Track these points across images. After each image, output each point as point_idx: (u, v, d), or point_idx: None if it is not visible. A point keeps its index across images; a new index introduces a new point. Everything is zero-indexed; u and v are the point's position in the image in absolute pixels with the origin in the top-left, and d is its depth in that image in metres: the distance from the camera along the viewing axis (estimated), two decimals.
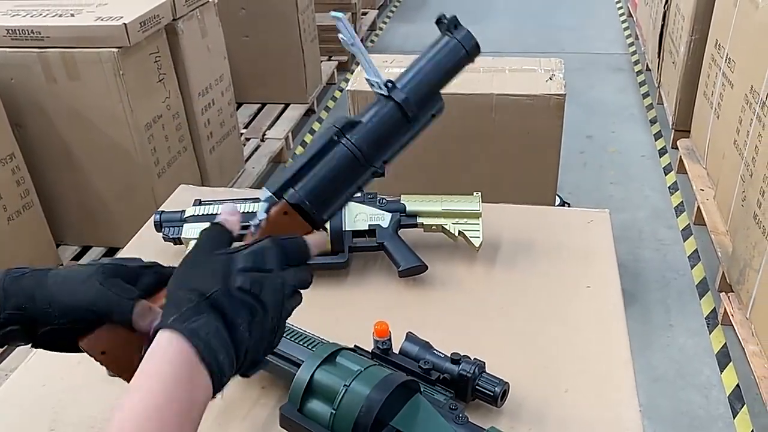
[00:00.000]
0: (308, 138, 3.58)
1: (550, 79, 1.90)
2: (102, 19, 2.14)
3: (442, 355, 0.81)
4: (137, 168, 2.30)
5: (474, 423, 0.73)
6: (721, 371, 2.06)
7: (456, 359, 0.80)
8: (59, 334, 0.63)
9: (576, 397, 0.85)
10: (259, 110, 3.54)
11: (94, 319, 0.62)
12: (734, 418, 1.91)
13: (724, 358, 2.10)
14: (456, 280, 1.06)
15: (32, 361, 0.95)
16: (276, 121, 3.45)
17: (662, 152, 3.23)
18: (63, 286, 0.63)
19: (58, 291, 0.63)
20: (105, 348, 0.63)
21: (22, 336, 0.63)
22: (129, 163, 2.29)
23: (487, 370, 0.81)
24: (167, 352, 0.53)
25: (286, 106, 3.57)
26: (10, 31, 2.15)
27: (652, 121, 3.50)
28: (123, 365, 0.63)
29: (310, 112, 3.71)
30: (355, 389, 0.72)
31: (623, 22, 4.94)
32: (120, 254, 1.18)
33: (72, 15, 2.21)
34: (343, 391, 0.72)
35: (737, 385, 2.00)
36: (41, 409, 0.86)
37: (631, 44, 4.49)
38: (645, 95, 3.78)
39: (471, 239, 1.08)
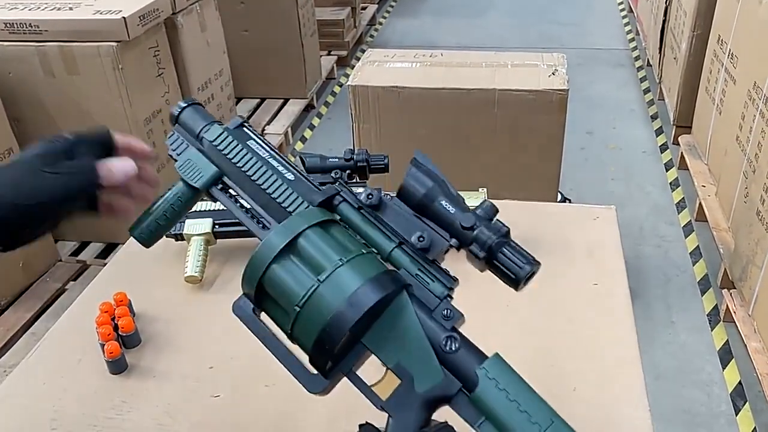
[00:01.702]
0: (308, 133, 3.56)
1: (553, 74, 1.89)
2: (101, 13, 2.12)
3: (453, 210, 0.56)
4: None
5: (468, 341, 0.54)
6: (723, 368, 2.05)
7: (469, 226, 0.55)
8: (30, 232, 0.60)
9: (584, 396, 0.84)
10: (259, 105, 3.52)
11: (63, 210, 0.60)
12: (736, 415, 1.91)
13: (726, 355, 2.09)
14: (461, 277, 1.04)
15: (32, 359, 0.93)
16: (275, 116, 3.44)
17: (663, 148, 3.22)
18: (17, 189, 0.58)
19: (15, 200, 0.58)
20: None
21: None
22: None
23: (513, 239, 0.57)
24: None
25: (286, 101, 3.55)
26: (8, 25, 2.13)
27: (653, 117, 3.49)
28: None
29: (309, 107, 3.69)
30: (324, 295, 0.51)
31: (624, 17, 4.92)
32: (120, 250, 1.17)
33: (70, 8, 2.19)
34: (311, 291, 0.51)
35: (739, 383, 2.00)
36: (42, 407, 0.85)
37: (632, 40, 4.48)
38: (646, 91, 3.77)
39: None
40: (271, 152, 0.63)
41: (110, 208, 0.64)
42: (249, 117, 3.41)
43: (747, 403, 1.93)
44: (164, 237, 1.11)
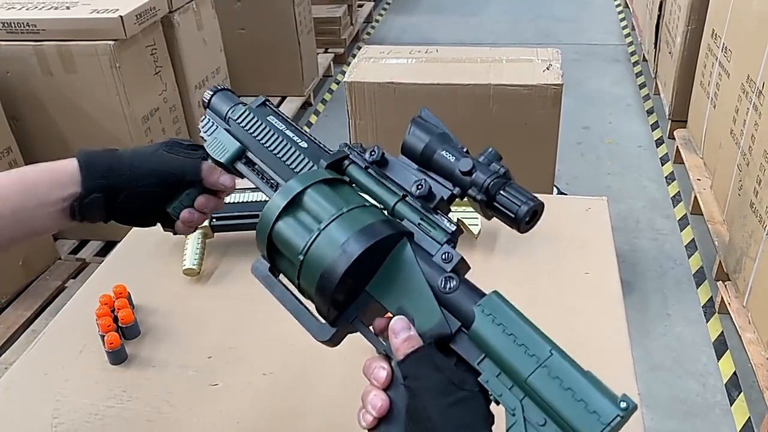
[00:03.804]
0: (305, 131, 3.58)
1: (547, 69, 1.91)
2: (98, 12, 2.14)
3: (453, 158, 0.57)
4: None
5: (469, 283, 0.54)
6: (718, 359, 2.07)
7: (467, 170, 0.56)
8: (137, 200, 0.68)
9: None
10: None
11: (169, 183, 0.69)
12: (731, 405, 1.92)
13: (721, 347, 2.11)
14: None
15: (34, 350, 0.95)
16: None
17: (659, 143, 3.23)
18: (136, 158, 0.69)
19: (132, 161, 0.69)
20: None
21: (101, 206, 0.67)
22: None
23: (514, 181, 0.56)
24: None
25: (283, 98, 3.56)
26: (6, 25, 2.14)
27: (649, 112, 3.51)
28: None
29: (306, 104, 3.70)
30: (321, 244, 0.54)
31: (619, 13, 4.93)
32: (119, 245, 1.18)
33: (67, 8, 2.20)
34: (310, 242, 0.54)
35: (734, 373, 2.01)
36: (44, 397, 0.87)
37: (628, 35, 4.49)
38: (642, 86, 3.78)
39: (470, 227, 1.08)
40: (288, 124, 0.69)
41: (185, 215, 0.72)
42: None
43: (741, 393, 1.95)
44: (162, 231, 1.13)
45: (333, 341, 0.56)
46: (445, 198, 0.57)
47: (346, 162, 0.62)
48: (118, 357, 0.91)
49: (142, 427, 0.82)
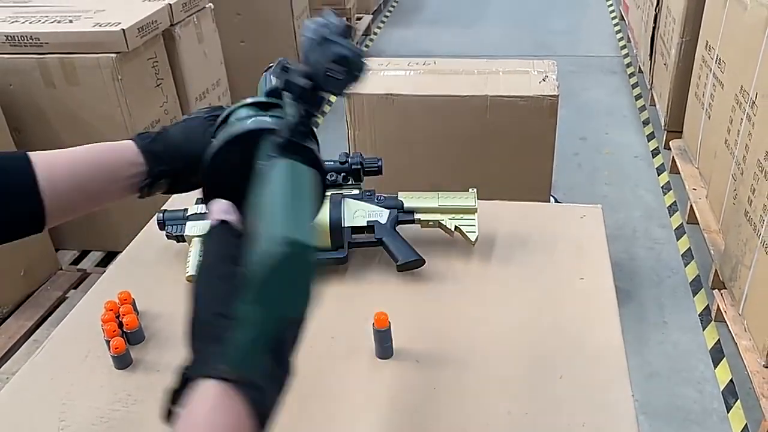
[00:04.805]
0: None
1: (543, 80, 1.94)
2: (100, 25, 2.17)
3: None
4: None
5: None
6: (715, 367, 2.09)
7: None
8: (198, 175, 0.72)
9: (570, 382, 0.87)
10: None
11: None
12: (728, 412, 1.94)
13: (717, 354, 2.13)
14: (453, 274, 1.08)
15: (41, 356, 0.97)
16: None
17: (655, 153, 3.26)
18: (189, 144, 0.74)
19: (189, 149, 0.74)
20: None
21: (166, 186, 0.76)
22: None
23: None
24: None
25: None
26: (9, 38, 2.17)
27: (645, 123, 3.54)
28: None
29: None
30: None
31: (615, 25, 4.98)
32: (123, 253, 1.20)
33: (70, 21, 2.23)
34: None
35: (731, 380, 2.03)
36: (51, 401, 0.88)
37: (624, 47, 4.54)
38: (637, 97, 3.82)
39: (467, 234, 1.10)
40: None
41: None
42: None
43: (738, 400, 1.96)
44: (166, 239, 1.15)
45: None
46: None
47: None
48: (123, 361, 0.93)
49: (148, 430, 0.84)
